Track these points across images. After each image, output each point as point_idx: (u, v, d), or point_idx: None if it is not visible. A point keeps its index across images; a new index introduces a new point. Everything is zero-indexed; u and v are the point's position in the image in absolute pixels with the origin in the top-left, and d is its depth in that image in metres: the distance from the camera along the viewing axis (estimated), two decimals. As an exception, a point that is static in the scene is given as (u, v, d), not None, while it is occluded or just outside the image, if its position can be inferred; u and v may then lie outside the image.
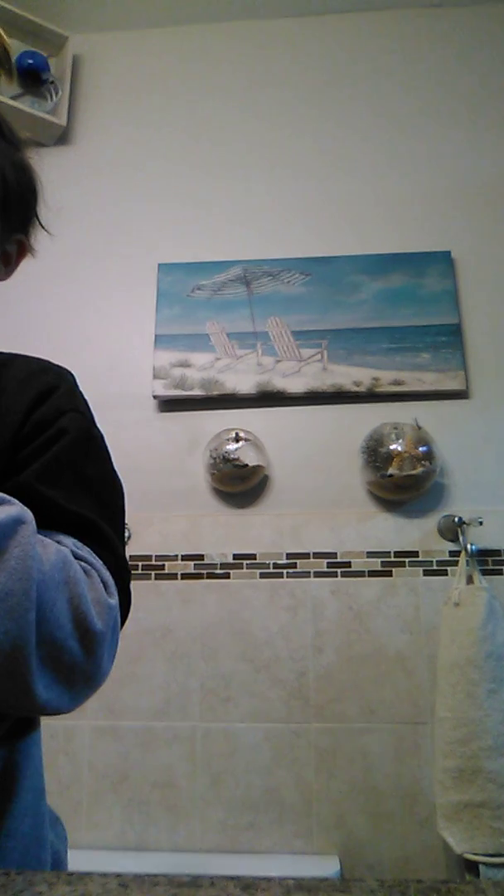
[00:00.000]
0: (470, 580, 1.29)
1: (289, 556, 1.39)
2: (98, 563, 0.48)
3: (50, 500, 0.48)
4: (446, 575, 1.34)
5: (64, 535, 0.48)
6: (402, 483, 1.35)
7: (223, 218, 1.65)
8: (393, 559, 1.37)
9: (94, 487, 0.52)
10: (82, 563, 0.46)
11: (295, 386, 1.48)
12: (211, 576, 1.39)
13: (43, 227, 0.65)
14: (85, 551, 0.48)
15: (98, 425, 0.58)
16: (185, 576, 1.39)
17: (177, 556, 1.41)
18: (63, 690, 0.44)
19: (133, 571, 1.40)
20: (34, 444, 0.51)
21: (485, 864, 1.13)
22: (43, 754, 0.57)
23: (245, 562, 1.39)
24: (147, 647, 1.35)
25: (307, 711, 1.29)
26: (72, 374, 0.60)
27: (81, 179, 1.73)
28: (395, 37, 1.77)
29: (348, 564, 1.37)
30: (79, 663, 0.44)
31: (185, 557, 1.40)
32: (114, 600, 0.48)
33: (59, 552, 0.44)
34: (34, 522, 0.43)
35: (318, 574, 1.37)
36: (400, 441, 1.37)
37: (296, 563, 1.38)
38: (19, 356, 0.60)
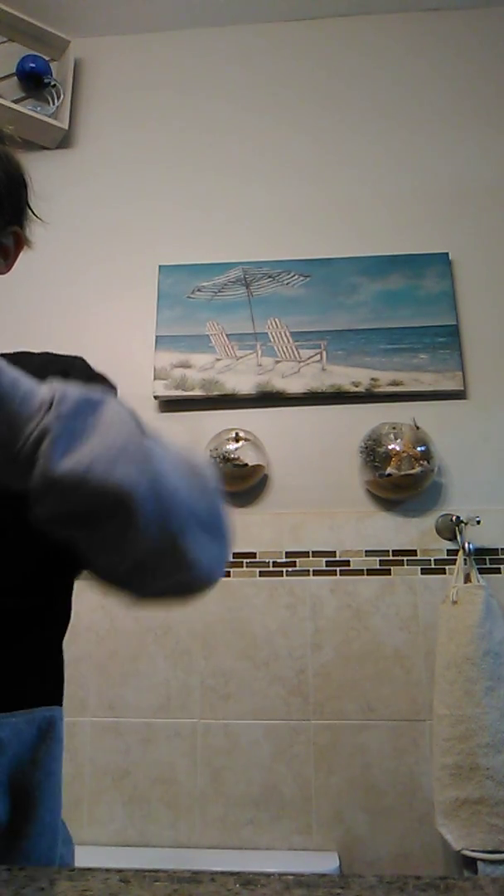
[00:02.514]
0: (468, 579, 1.30)
1: (288, 554, 1.40)
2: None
3: None
4: (444, 573, 1.35)
5: None
6: (401, 482, 1.36)
7: (223, 220, 1.67)
8: (391, 558, 1.38)
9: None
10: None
11: (294, 386, 1.49)
12: (211, 574, 1.40)
13: (36, 217, 0.66)
14: None
15: None
16: (186, 574, 1.40)
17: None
18: (205, 539, 0.45)
19: (134, 570, 1.42)
20: None
21: (483, 860, 1.14)
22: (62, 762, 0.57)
23: (245, 560, 1.40)
24: (148, 644, 1.36)
25: (306, 708, 1.30)
26: (82, 358, 0.62)
27: (83, 182, 1.74)
28: (394, 40, 1.78)
29: (347, 563, 1.38)
30: (212, 514, 0.47)
31: (186, 556, 1.41)
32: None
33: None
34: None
35: (318, 572, 1.38)
36: (398, 441, 1.38)
37: (295, 561, 1.39)
38: (23, 353, 0.61)
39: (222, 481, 0.48)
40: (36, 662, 0.55)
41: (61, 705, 0.57)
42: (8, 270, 0.64)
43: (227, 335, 1.54)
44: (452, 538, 1.37)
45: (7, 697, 0.51)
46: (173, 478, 0.43)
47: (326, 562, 1.39)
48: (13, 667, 0.52)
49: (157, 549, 0.42)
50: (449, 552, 1.37)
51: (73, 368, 0.58)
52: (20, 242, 0.64)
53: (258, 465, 1.41)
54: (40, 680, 0.55)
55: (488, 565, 1.35)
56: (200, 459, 0.49)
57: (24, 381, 0.40)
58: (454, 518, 1.36)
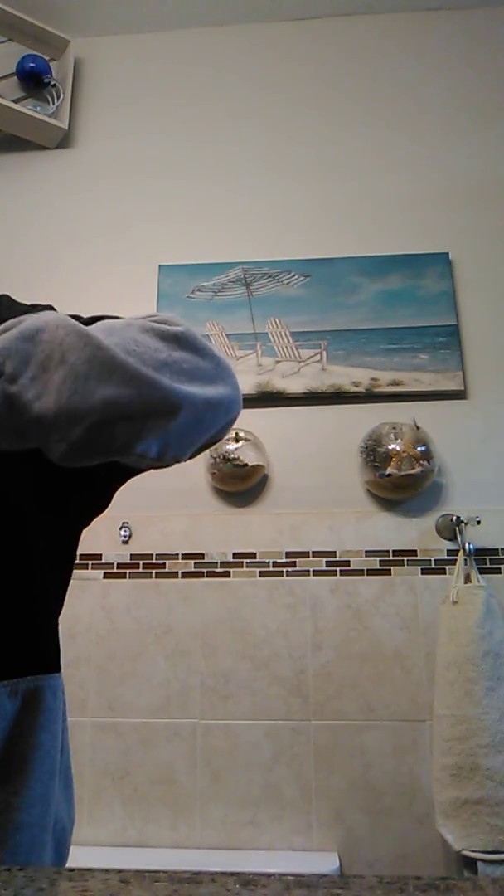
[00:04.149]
0: (468, 579, 1.30)
1: (288, 554, 1.40)
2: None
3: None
4: (444, 573, 1.35)
5: None
6: (401, 482, 1.36)
7: (223, 220, 1.67)
8: (391, 558, 1.38)
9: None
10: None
11: (294, 386, 1.49)
12: (211, 574, 1.40)
13: None
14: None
15: None
16: (186, 574, 1.40)
17: (177, 554, 1.42)
18: (206, 386, 0.47)
19: (133, 570, 1.42)
20: None
21: (483, 860, 1.14)
22: (59, 733, 0.56)
23: (245, 560, 1.40)
24: (148, 644, 1.36)
25: (306, 709, 1.30)
26: (7, 295, 0.63)
27: (83, 182, 1.74)
28: (393, 40, 1.78)
29: (347, 563, 1.38)
30: (194, 362, 0.47)
31: (186, 556, 1.41)
32: (178, 326, 0.49)
33: (100, 322, 0.47)
34: (63, 314, 0.44)
35: (318, 572, 1.38)
36: (398, 441, 1.38)
37: (295, 561, 1.39)
38: None
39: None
40: (18, 628, 0.53)
41: (51, 673, 0.55)
42: None
43: (227, 335, 1.54)
44: (453, 538, 1.37)
45: None
46: (148, 358, 0.44)
47: (326, 562, 1.39)
48: None
49: (167, 422, 0.44)
50: (449, 552, 1.37)
51: (1, 315, 0.59)
52: None
53: (258, 465, 1.41)
54: (23, 648, 0.53)
55: (488, 565, 1.35)
56: (160, 320, 0.49)
57: None
58: (454, 518, 1.36)
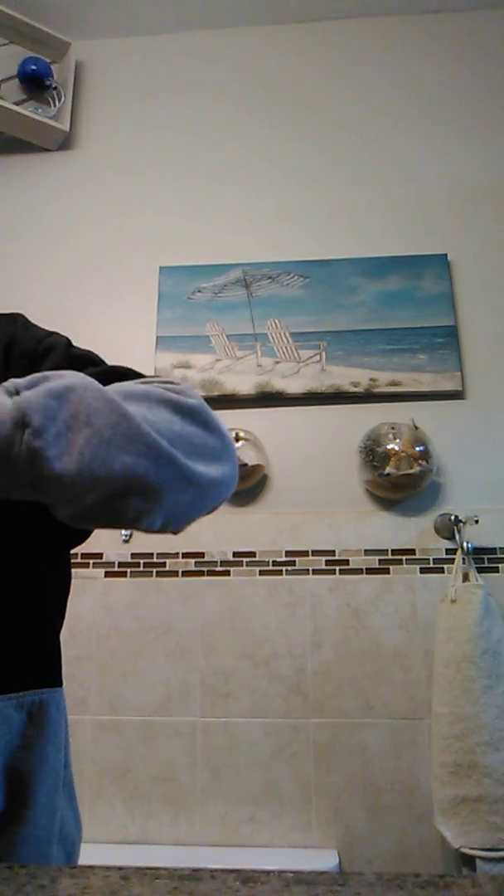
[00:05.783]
0: (466, 578, 1.31)
1: (288, 553, 1.40)
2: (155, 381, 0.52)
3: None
4: (443, 572, 1.36)
5: None
6: (400, 482, 1.37)
7: (223, 221, 1.68)
8: (390, 557, 1.39)
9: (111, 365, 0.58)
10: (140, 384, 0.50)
11: (294, 387, 1.50)
12: (211, 573, 1.41)
13: None
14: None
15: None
16: (186, 573, 1.41)
17: (177, 553, 1.42)
18: (212, 464, 0.48)
19: (134, 569, 1.43)
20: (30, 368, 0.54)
21: (481, 858, 1.14)
22: (63, 746, 0.56)
23: (245, 559, 1.41)
24: (148, 643, 1.37)
25: (306, 707, 1.31)
26: (22, 315, 0.63)
27: (84, 184, 1.75)
28: (392, 42, 1.79)
29: (346, 562, 1.39)
30: (204, 438, 0.48)
31: (186, 555, 1.42)
32: (192, 399, 0.50)
33: (119, 384, 0.48)
34: (89, 378, 0.44)
35: (317, 571, 1.39)
36: (397, 441, 1.39)
37: (295, 560, 1.40)
38: None
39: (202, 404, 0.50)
40: (23, 643, 0.54)
41: (55, 686, 0.55)
42: None
43: (227, 336, 1.55)
44: (451, 537, 1.37)
45: None
46: (164, 430, 0.45)
47: (326, 561, 1.39)
48: None
49: (176, 499, 0.45)
50: (447, 551, 1.37)
51: (17, 336, 0.59)
52: None
53: (258, 465, 1.42)
54: (29, 662, 0.54)
55: (486, 564, 1.35)
56: (180, 391, 0.50)
57: None
58: (453, 517, 1.37)
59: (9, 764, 0.50)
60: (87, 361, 0.57)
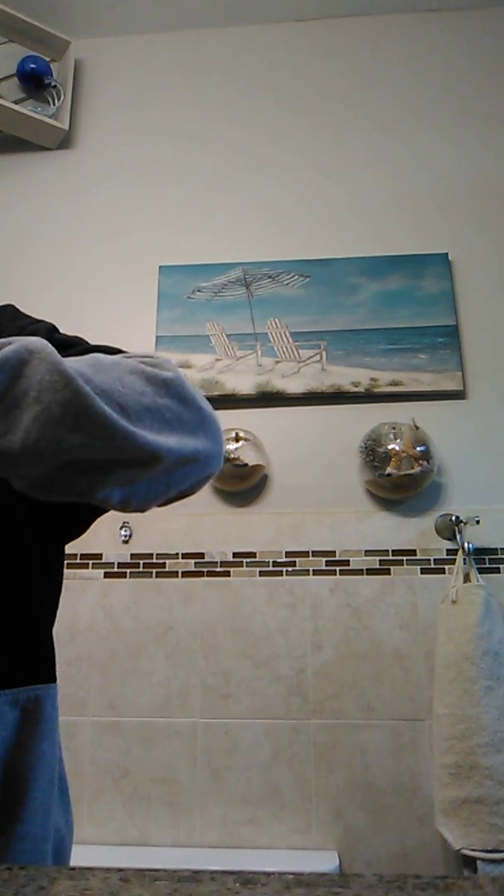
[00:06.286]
0: (467, 578, 1.31)
1: (288, 554, 1.40)
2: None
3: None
4: (443, 573, 1.36)
5: None
6: (400, 482, 1.37)
7: (223, 220, 1.67)
8: (391, 557, 1.38)
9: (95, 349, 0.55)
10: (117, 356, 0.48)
11: (294, 386, 1.50)
12: (211, 574, 1.40)
13: None
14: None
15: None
16: (186, 574, 1.41)
17: (177, 554, 1.42)
18: (185, 438, 0.46)
19: (133, 570, 1.42)
20: None
21: (482, 859, 1.14)
22: (57, 742, 0.56)
23: (245, 560, 1.40)
24: (148, 643, 1.37)
25: (306, 708, 1.31)
26: (12, 305, 0.62)
27: (83, 183, 1.75)
28: (392, 41, 1.79)
29: (347, 563, 1.39)
30: (178, 411, 0.46)
31: (186, 556, 1.42)
32: (169, 371, 0.48)
33: (90, 355, 0.46)
34: (50, 347, 0.42)
35: (317, 572, 1.38)
36: (398, 441, 1.38)
37: (295, 561, 1.40)
38: None
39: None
40: (16, 639, 0.54)
41: (49, 682, 0.55)
42: None
43: (227, 335, 1.55)
44: (452, 538, 1.37)
45: None
46: (132, 402, 0.43)
47: (326, 561, 1.39)
48: None
49: (135, 474, 0.43)
50: (448, 552, 1.37)
51: (2, 326, 0.58)
52: None
53: (258, 465, 1.41)
54: (23, 658, 0.53)
55: (487, 565, 1.35)
56: (155, 364, 0.48)
57: None
58: (453, 518, 1.36)
59: (4, 761, 0.49)
60: (68, 345, 0.55)
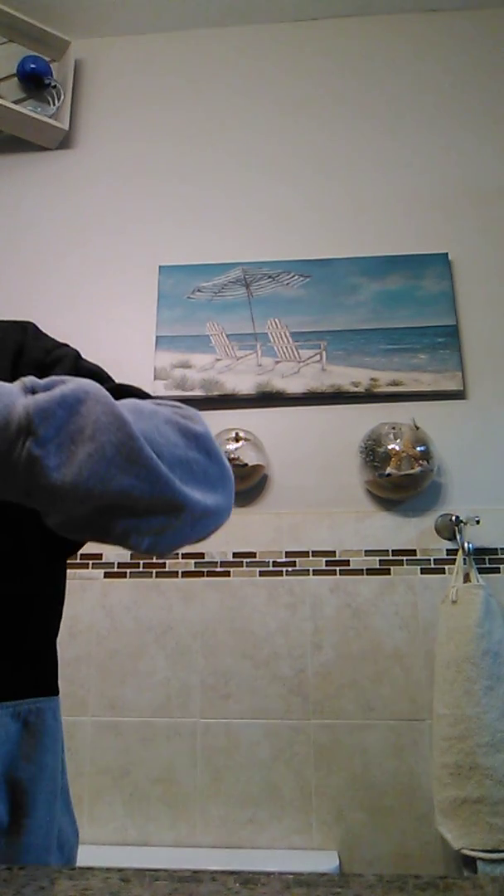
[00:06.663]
0: (467, 578, 1.31)
1: (288, 554, 1.40)
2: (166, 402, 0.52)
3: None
4: (444, 573, 1.36)
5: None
6: (400, 482, 1.37)
7: (223, 220, 1.67)
8: (391, 557, 1.38)
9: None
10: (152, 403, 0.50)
11: (294, 386, 1.50)
12: (211, 574, 1.40)
13: None
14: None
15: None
16: (186, 574, 1.41)
17: (177, 554, 1.42)
18: (208, 492, 0.48)
19: (133, 570, 1.42)
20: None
21: (482, 859, 1.14)
22: (60, 754, 0.56)
23: (245, 560, 1.40)
24: (148, 643, 1.37)
25: (306, 708, 1.31)
26: (32, 324, 0.63)
27: (83, 182, 1.75)
28: (391, 41, 1.79)
29: (347, 563, 1.39)
30: (205, 465, 0.48)
31: (186, 556, 1.42)
32: (199, 425, 0.50)
33: (129, 400, 0.48)
34: (104, 390, 0.44)
35: (317, 572, 1.38)
36: (398, 441, 1.38)
37: (295, 561, 1.40)
38: None
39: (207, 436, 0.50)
40: (19, 652, 0.54)
41: (52, 695, 0.55)
42: None
43: (227, 335, 1.55)
44: (452, 538, 1.37)
45: None
46: (167, 453, 0.45)
47: (326, 561, 1.39)
48: None
49: (166, 522, 0.45)
50: (448, 552, 1.37)
51: (27, 344, 0.59)
52: None
53: (258, 465, 1.41)
54: (25, 670, 0.54)
55: (487, 565, 1.35)
56: (188, 416, 0.50)
57: None
58: (453, 518, 1.36)
59: (7, 774, 0.50)
60: (94, 377, 0.57)
